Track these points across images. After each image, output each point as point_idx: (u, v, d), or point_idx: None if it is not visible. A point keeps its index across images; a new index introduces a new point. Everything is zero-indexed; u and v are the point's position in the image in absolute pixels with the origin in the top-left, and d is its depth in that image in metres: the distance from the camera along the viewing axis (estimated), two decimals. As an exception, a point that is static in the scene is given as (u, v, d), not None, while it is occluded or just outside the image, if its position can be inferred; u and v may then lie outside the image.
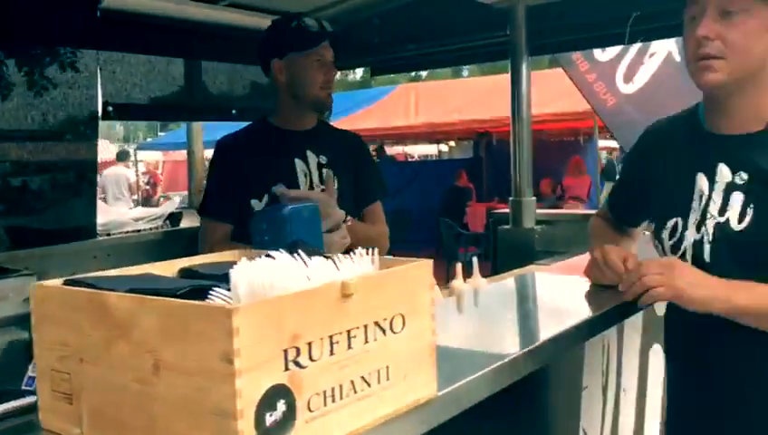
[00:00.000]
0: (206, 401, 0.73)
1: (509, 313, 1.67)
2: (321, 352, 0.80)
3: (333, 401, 0.82)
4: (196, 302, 0.75)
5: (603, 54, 4.09)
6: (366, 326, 0.86)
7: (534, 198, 3.70)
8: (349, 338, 0.84)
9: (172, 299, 0.76)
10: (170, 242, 3.66)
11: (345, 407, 0.84)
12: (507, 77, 3.59)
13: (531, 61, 3.61)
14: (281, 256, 0.85)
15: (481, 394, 1.07)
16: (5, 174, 3.14)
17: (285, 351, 0.76)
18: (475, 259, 1.88)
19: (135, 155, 14.20)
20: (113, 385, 0.82)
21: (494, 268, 4.10)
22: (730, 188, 1.38)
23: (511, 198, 3.69)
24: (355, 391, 0.85)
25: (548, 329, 1.42)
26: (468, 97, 10.92)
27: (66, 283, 0.90)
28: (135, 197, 12.82)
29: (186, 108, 3.77)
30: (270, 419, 0.75)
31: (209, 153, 3.60)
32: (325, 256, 0.92)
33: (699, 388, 1.45)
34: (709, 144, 1.44)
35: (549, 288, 2.04)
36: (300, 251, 0.85)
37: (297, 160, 2.22)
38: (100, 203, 3.33)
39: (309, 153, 2.24)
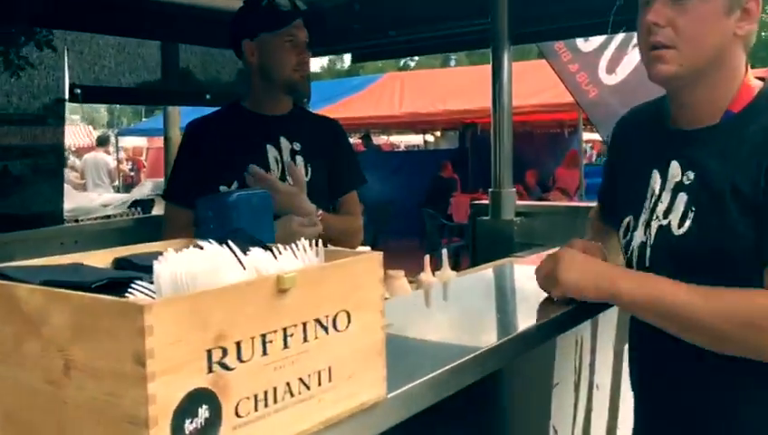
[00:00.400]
0: (118, 406, 0.66)
1: (477, 307, 1.60)
2: (252, 353, 0.73)
3: (266, 405, 0.75)
4: (107, 296, 0.67)
5: (586, 45, 4.01)
6: (305, 324, 0.79)
7: (514, 189, 3.65)
8: (285, 337, 0.77)
9: (83, 293, 0.69)
10: (140, 229, 3.57)
11: (280, 412, 0.77)
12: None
13: (520, 51, 3.56)
14: (210, 246, 0.78)
15: (437, 395, 1.00)
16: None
17: (209, 351, 0.69)
18: (444, 251, 1.81)
19: (116, 140, 14.01)
20: (24, 386, 0.75)
21: (473, 260, 4.05)
22: (678, 188, 1.27)
23: (490, 190, 3.64)
24: (292, 395, 0.78)
25: (515, 325, 1.36)
26: (454, 87, 10.85)
27: (-20, 273, 0.82)
28: (116, 183, 12.66)
29: (157, 92, 3.67)
30: (190, 426, 0.68)
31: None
32: (265, 247, 0.85)
33: (659, 391, 1.38)
34: (666, 139, 1.33)
35: (522, 281, 1.98)
36: (230, 241, 0.78)
37: (269, 146, 2.14)
38: (67, 188, 3.22)
39: (282, 139, 2.17)
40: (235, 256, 0.77)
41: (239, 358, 0.72)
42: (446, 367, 1.01)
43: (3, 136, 3.09)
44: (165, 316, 0.65)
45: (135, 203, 3.50)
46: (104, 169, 10.61)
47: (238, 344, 0.72)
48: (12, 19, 3.03)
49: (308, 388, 0.80)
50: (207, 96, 3.79)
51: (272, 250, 0.84)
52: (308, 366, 0.80)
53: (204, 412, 0.69)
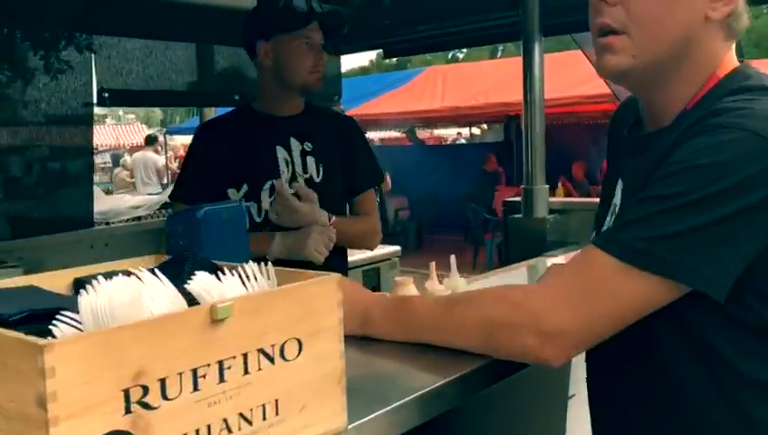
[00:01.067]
0: (24, 406, 0.62)
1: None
2: (181, 389, 0.68)
3: (199, 444, 0.70)
4: (10, 333, 0.63)
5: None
6: (245, 355, 0.74)
7: (547, 186, 3.55)
8: (221, 370, 0.72)
9: (-7, 329, 0.65)
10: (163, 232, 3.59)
11: (219, 446, 0.72)
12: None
13: (566, 40, 3.45)
14: (142, 273, 0.73)
15: (406, 425, 0.94)
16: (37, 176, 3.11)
17: (126, 390, 0.64)
18: (452, 257, 1.74)
19: (165, 139, 14.25)
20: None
21: (505, 259, 3.96)
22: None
23: (522, 186, 3.55)
24: (230, 431, 0.73)
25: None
26: (498, 79, 10.68)
27: None
28: (165, 181, 12.88)
29: (184, 93, 3.67)
30: (108, 459, 0.63)
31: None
32: (213, 270, 0.80)
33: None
34: (630, 143, 1.12)
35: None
36: (156, 270, 0.73)
37: (279, 148, 2.12)
38: (97, 191, 3.25)
39: (292, 140, 2.14)
40: (162, 283, 0.72)
41: (164, 396, 0.67)
42: (417, 394, 0.95)
43: (32, 140, 3.14)
44: (71, 355, 0.60)
45: (166, 204, 3.54)
46: (152, 168, 10.81)
47: (162, 381, 0.67)
48: (42, 23, 3.07)
49: (250, 423, 0.75)
50: (236, 96, 3.79)
51: (218, 274, 0.79)
52: (250, 400, 0.75)
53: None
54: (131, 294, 0.68)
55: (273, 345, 0.77)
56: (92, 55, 3.19)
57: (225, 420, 0.72)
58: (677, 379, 0.99)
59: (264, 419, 0.76)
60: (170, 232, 1.03)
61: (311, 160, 2.13)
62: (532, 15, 3.34)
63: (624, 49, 0.99)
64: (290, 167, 2.11)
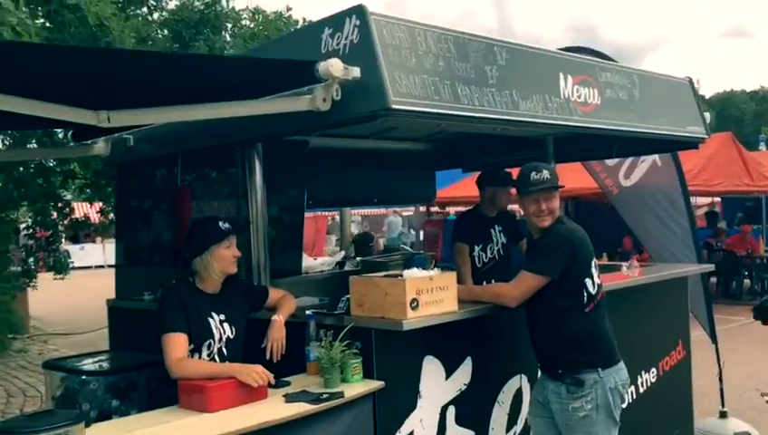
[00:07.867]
0: (398, 300, 3.18)
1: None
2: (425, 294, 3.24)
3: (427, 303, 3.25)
4: (389, 278, 3.21)
5: (610, 160, 6.22)
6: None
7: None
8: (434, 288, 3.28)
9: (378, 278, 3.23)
10: (338, 279, 6.20)
11: (432, 304, 3.27)
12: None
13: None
14: (414, 269, 3.31)
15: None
16: (273, 243, 5.77)
17: (413, 293, 3.21)
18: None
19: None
20: (374, 297, 3.29)
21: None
22: None
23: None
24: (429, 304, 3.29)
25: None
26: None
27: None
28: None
29: (357, 199, 6.32)
30: (414, 304, 3.19)
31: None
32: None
33: None
34: (531, 242, 3.79)
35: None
36: (417, 268, 3.31)
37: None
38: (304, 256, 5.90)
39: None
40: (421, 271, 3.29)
41: (421, 295, 3.23)
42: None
43: (271, 229, 5.78)
44: (408, 283, 3.18)
45: (338, 263, 6.19)
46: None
47: (422, 293, 3.23)
48: (277, 166, 5.75)
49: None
50: (375, 199, 6.44)
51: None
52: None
53: (415, 304, 3.20)
54: (416, 272, 3.26)
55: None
56: (305, 181, 5.86)
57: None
58: (546, 309, 3.55)
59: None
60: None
61: None
62: (549, 153, 5.80)
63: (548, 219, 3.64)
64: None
